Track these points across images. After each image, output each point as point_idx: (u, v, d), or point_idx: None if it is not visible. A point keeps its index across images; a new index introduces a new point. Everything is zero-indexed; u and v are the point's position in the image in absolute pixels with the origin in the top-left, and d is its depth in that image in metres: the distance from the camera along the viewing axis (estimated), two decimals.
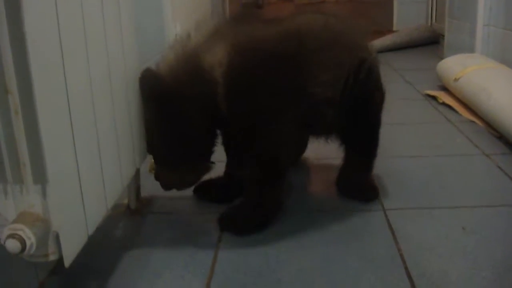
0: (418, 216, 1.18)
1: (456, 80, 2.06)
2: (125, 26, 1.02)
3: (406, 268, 0.98)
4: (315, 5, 4.84)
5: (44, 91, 0.70)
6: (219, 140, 1.21)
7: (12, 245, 0.70)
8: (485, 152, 1.56)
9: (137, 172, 1.26)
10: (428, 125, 1.86)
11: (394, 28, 3.93)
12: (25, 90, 0.68)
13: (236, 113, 1.09)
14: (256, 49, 1.08)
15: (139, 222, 1.21)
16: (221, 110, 1.08)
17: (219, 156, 1.23)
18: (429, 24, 3.80)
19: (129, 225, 1.20)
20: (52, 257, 0.77)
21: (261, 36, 1.10)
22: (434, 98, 2.16)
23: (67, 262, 0.76)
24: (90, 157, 0.86)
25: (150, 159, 1.48)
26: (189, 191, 1.31)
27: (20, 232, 0.71)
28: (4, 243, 0.71)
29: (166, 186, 1.20)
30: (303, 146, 1.51)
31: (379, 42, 3.36)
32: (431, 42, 3.53)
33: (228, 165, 1.32)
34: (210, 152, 1.17)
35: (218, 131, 1.18)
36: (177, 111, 1.09)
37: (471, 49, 2.44)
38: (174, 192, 1.35)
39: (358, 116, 1.20)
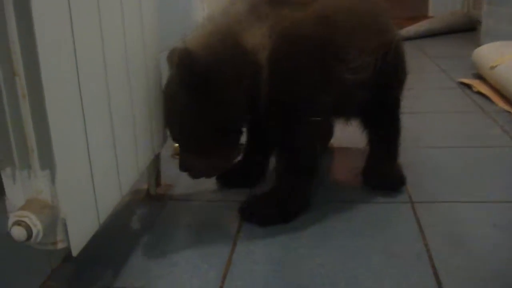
0: (447, 210, 1.12)
1: (492, 68, 1.98)
2: (144, 5, 0.99)
3: (432, 266, 0.93)
4: None
5: (52, 73, 0.67)
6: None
7: (18, 233, 0.68)
8: None
9: (157, 157, 1.23)
10: (461, 115, 1.79)
11: (429, 14, 3.82)
12: (32, 72, 0.65)
13: (279, 99, 1.04)
14: (298, 35, 1.03)
15: (158, 208, 1.19)
16: (261, 95, 1.03)
17: None
18: (466, 10, 3.67)
19: (147, 212, 1.18)
20: (61, 245, 0.74)
21: (299, 20, 1.04)
22: (468, 86, 2.08)
23: (74, 251, 0.73)
24: (103, 142, 0.83)
25: (173, 144, 1.46)
26: (207, 179, 1.28)
27: (26, 219, 0.68)
28: (10, 230, 0.68)
29: (196, 175, 1.13)
30: (331, 132, 1.47)
31: (413, 28, 3.27)
32: (467, 29, 3.41)
33: (249, 150, 1.29)
34: (239, 137, 1.12)
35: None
36: (218, 92, 1.01)
37: (509, 37, 2.34)
38: (196, 180, 1.33)
39: (381, 97, 1.17)
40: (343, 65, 1.06)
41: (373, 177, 1.24)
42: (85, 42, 0.75)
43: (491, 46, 2.20)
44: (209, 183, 1.29)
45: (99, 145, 0.81)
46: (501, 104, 1.83)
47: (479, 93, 1.98)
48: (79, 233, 0.75)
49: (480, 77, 2.16)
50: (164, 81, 1.11)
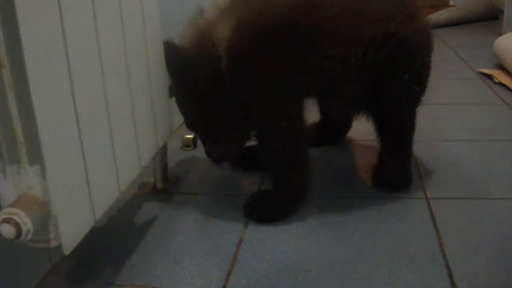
0: (465, 207, 1.07)
1: None
2: None
3: (447, 267, 0.88)
4: None
5: (39, 63, 0.63)
6: None
7: (7, 231, 0.65)
8: None
9: (164, 150, 1.20)
10: (481, 107, 1.72)
11: (451, 3, 3.72)
12: (17, 63, 0.61)
13: (238, 87, 1.05)
14: (256, 22, 1.03)
15: (164, 202, 1.15)
16: (227, 84, 1.05)
17: None
18: None
19: (153, 205, 1.14)
20: (54, 243, 0.71)
21: (267, 8, 1.04)
22: (489, 77, 2.00)
23: (66, 250, 0.70)
24: (98, 135, 0.79)
25: (182, 136, 1.42)
26: (219, 171, 1.25)
27: (15, 217, 0.65)
28: None
29: (215, 160, 1.23)
30: (345, 126, 1.43)
31: (434, 17, 3.18)
32: (489, 18, 3.31)
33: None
34: (244, 122, 1.12)
35: None
36: (194, 85, 1.10)
37: None
38: (203, 172, 1.30)
39: (384, 100, 1.09)
40: (318, 51, 1.02)
41: (379, 176, 1.18)
42: (77, 31, 0.72)
43: None
44: (217, 175, 1.25)
45: (94, 138, 0.77)
46: None
47: (500, 84, 1.90)
48: (71, 230, 0.72)
49: (501, 67, 2.08)
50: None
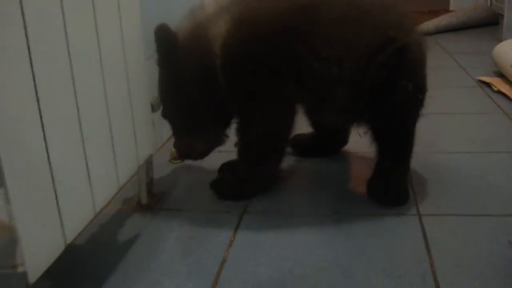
0: (459, 224, 1.03)
1: None
2: (124, 9, 0.91)
3: None
4: None
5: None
6: None
7: None
8: None
9: (149, 164, 1.16)
10: (479, 116, 1.67)
11: (451, 8, 3.70)
12: None
13: (231, 87, 1.06)
14: (254, 22, 1.04)
15: (148, 219, 1.11)
16: (220, 82, 1.06)
17: None
18: (489, 3, 3.54)
19: (136, 223, 1.10)
20: (22, 269, 0.67)
21: (264, 8, 1.05)
22: (488, 85, 1.96)
23: (32, 277, 0.66)
24: (69, 153, 0.75)
25: (170, 149, 1.39)
26: (206, 185, 1.21)
27: None
28: None
29: (180, 154, 1.25)
30: (340, 138, 1.39)
31: (433, 23, 3.15)
32: (490, 23, 3.28)
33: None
34: (224, 124, 1.18)
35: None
36: (180, 74, 1.09)
37: None
38: (190, 186, 1.26)
39: (382, 108, 1.07)
40: (313, 54, 1.02)
41: (374, 190, 1.14)
42: (45, 40, 0.68)
43: None
44: (204, 190, 1.21)
45: (64, 157, 0.73)
46: None
47: (499, 92, 1.86)
48: (38, 256, 0.68)
49: (501, 75, 2.04)
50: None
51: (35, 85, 0.66)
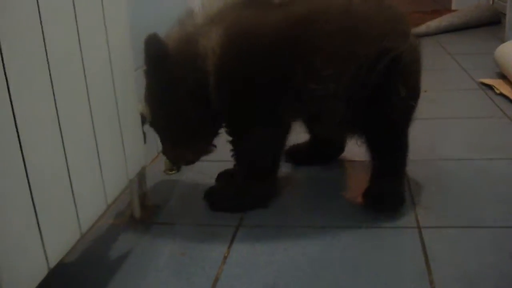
0: (461, 236, 1.00)
1: None
2: (110, 19, 0.88)
3: None
4: None
5: None
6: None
7: None
8: None
9: (142, 177, 1.14)
10: (481, 121, 1.64)
11: (453, 7, 3.65)
12: None
13: (225, 106, 1.05)
14: (248, 38, 1.01)
15: (140, 234, 1.09)
16: (212, 99, 1.05)
17: None
18: (491, 2, 3.49)
19: (128, 238, 1.07)
20: None
21: (258, 21, 1.02)
22: (490, 87, 1.92)
23: None
24: (51, 171, 0.72)
25: (165, 160, 1.36)
26: (201, 197, 1.18)
27: None
28: None
29: (171, 161, 1.26)
30: (336, 146, 1.36)
31: (434, 23, 3.11)
32: (492, 22, 3.23)
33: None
34: (210, 134, 1.16)
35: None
36: (167, 86, 1.07)
37: None
38: (184, 198, 1.23)
39: (375, 115, 1.05)
40: (311, 73, 1.00)
41: (370, 199, 1.11)
42: (20, 56, 0.65)
43: None
44: (199, 202, 1.18)
45: (45, 176, 0.70)
46: None
47: (502, 95, 1.82)
48: (18, 283, 0.65)
49: (503, 76, 2.00)
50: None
51: (10, 101, 0.63)
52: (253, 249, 1.01)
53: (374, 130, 1.08)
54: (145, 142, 1.11)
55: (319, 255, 0.97)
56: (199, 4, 1.11)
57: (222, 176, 1.27)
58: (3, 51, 0.61)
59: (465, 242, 0.98)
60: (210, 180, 1.26)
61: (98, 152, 0.85)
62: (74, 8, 0.77)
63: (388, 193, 1.11)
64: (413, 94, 1.09)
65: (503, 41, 2.25)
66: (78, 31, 0.78)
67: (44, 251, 0.70)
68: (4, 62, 0.61)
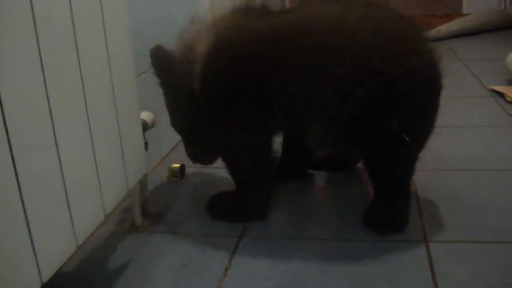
0: (469, 251, 0.97)
1: None
2: (110, 25, 0.86)
3: None
4: None
5: None
6: None
7: None
8: None
9: (143, 185, 1.12)
10: (492, 130, 1.60)
11: (464, 12, 3.61)
12: None
13: (206, 114, 1.06)
14: (232, 47, 1.00)
15: (141, 243, 1.06)
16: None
17: None
18: (502, 6, 3.45)
19: (128, 247, 1.05)
20: None
21: (243, 30, 1.01)
22: (501, 95, 1.89)
23: None
24: (45, 182, 0.70)
25: (169, 165, 1.34)
26: (203, 206, 1.16)
27: None
28: None
29: (192, 160, 1.27)
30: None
31: (445, 28, 3.07)
32: (504, 27, 3.19)
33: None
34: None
35: None
36: (175, 92, 1.13)
37: None
38: (187, 206, 1.21)
39: (364, 144, 0.99)
40: (281, 87, 0.97)
41: (370, 220, 1.07)
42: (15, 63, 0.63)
43: None
44: (201, 211, 1.16)
45: (38, 188, 0.68)
46: None
47: None
48: None
49: None
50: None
51: (2, 110, 0.61)
52: (256, 261, 0.98)
53: (366, 157, 1.04)
54: (146, 149, 1.09)
55: (323, 268, 0.94)
56: (207, 8, 1.10)
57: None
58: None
59: (474, 258, 0.95)
60: (214, 188, 1.24)
61: (96, 162, 0.83)
62: (72, 14, 0.75)
63: (391, 215, 1.05)
64: (406, 129, 0.95)
65: None
66: (75, 37, 0.76)
67: (37, 264, 0.68)
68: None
